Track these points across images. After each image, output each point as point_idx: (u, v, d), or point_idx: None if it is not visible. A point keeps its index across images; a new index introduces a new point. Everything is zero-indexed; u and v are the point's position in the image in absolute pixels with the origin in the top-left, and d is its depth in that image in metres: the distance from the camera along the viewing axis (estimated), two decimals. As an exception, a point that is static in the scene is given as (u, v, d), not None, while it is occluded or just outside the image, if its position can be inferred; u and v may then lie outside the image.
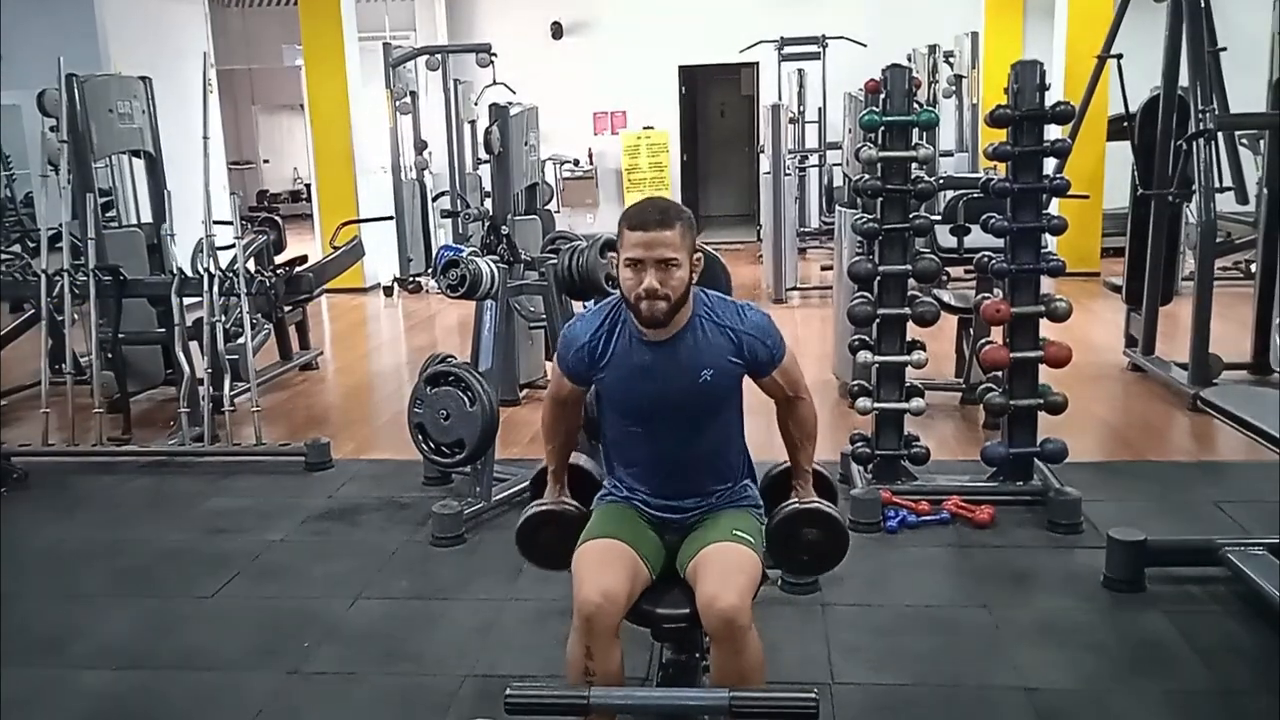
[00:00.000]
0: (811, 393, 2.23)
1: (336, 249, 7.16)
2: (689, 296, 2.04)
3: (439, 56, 8.63)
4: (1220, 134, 4.97)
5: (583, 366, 2.13)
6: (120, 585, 3.43)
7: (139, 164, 6.01)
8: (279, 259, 6.31)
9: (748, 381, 2.14)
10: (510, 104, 5.96)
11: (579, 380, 2.17)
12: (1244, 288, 6.52)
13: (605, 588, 1.92)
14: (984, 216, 3.77)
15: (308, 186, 12.34)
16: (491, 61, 8.42)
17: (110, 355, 5.00)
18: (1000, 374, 3.81)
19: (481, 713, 2.48)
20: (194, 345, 4.94)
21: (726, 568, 1.96)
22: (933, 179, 4.32)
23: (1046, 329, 3.75)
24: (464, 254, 3.82)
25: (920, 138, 3.98)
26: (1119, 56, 5.40)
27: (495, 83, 8.52)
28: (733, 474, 2.20)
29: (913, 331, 3.89)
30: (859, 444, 3.91)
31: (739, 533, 2.05)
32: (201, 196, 4.93)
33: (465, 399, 3.67)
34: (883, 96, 3.86)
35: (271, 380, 5.92)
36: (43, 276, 4.88)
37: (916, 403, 3.85)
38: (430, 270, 8.33)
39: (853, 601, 3.12)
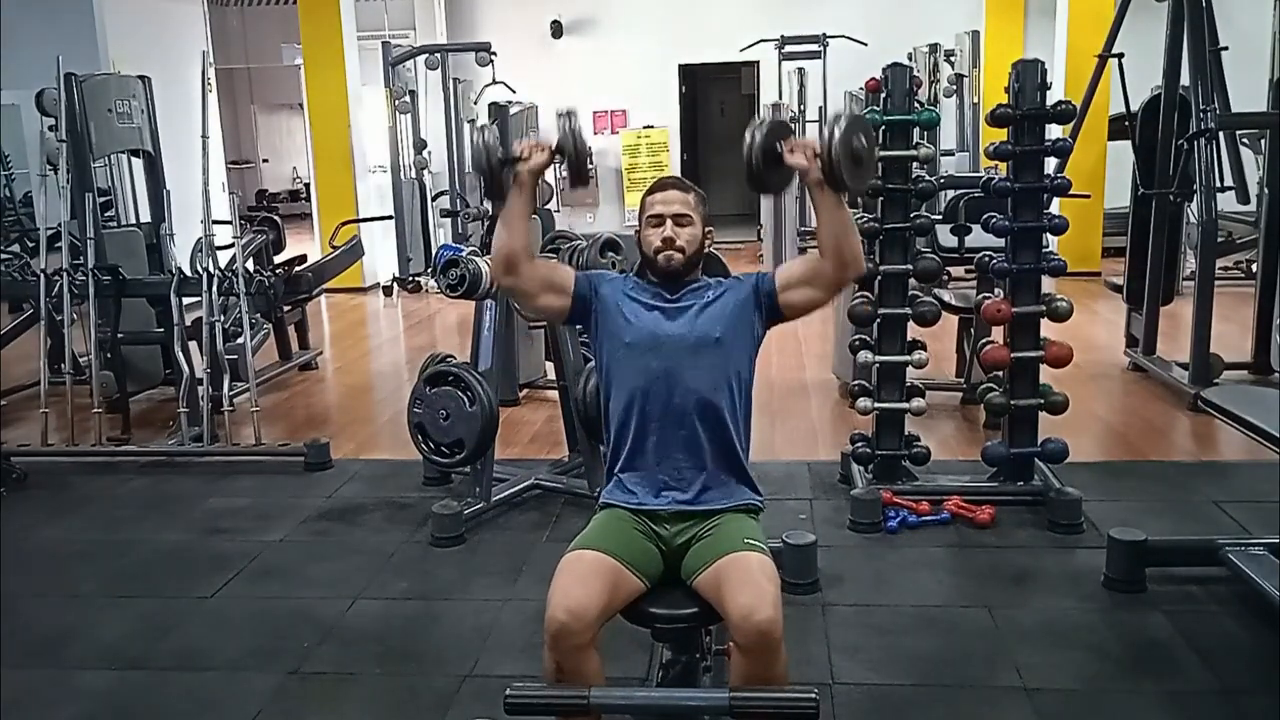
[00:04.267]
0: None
1: (336, 248, 7.16)
2: (701, 259, 2.27)
3: (438, 55, 8.65)
4: (1221, 133, 4.96)
5: (602, 282, 2.27)
6: (119, 585, 3.43)
7: (138, 163, 6.02)
8: (278, 259, 6.30)
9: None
10: (510, 103, 5.97)
11: (584, 286, 2.25)
12: (1245, 288, 6.52)
13: (573, 605, 1.89)
14: (985, 216, 3.77)
15: (307, 186, 12.35)
16: (491, 60, 8.43)
17: (109, 355, 4.99)
18: (1001, 374, 3.81)
19: (481, 713, 2.47)
20: (193, 345, 4.93)
21: (754, 578, 1.93)
22: (934, 178, 4.33)
23: (1047, 329, 3.75)
24: (463, 253, 3.82)
25: (921, 137, 3.98)
26: (1120, 56, 5.40)
27: (495, 82, 8.53)
28: (737, 460, 2.19)
29: (913, 331, 3.89)
30: (859, 444, 3.91)
31: (751, 541, 2.04)
32: (200, 196, 4.92)
33: (465, 399, 3.67)
34: (883, 95, 3.86)
35: (271, 380, 5.92)
36: (42, 276, 4.87)
37: (917, 403, 3.85)
38: (430, 270, 8.34)
39: (853, 601, 3.12)
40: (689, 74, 11.97)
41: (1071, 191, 3.89)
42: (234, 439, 4.79)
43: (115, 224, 6.23)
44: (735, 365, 2.18)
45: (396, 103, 8.63)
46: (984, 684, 2.67)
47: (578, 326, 3.00)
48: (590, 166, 2.25)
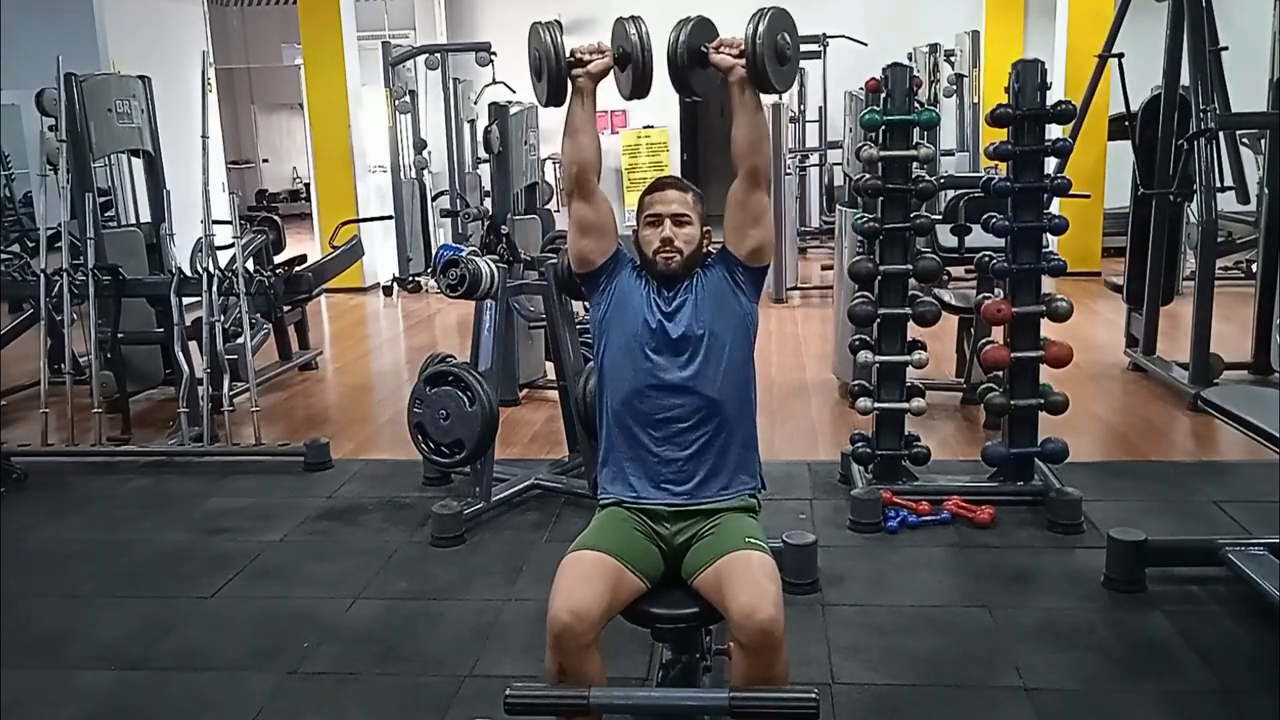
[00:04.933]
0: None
1: (336, 248, 7.15)
2: (698, 260, 2.24)
3: (438, 55, 8.64)
4: (1221, 133, 4.96)
5: (626, 265, 2.25)
6: (120, 585, 3.43)
7: (138, 163, 6.02)
8: (278, 259, 6.30)
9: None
10: (510, 103, 5.96)
11: (616, 256, 2.24)
12: (1245, 288, 6.52)
13: (576, 605, 1.89)
14: (985, 216, 3.77)
15: (307, 186, 12.33)
16: (491, 60, 8.42)
17: (109, 355, 4.99)
18: (1001, 374, 3.81)
19: (481, 713, 2.47)
20: (193, 345, 4.93)
21: (755, 578, 1.93)
22: (933, 178, 4.32)
23: (1047, 329, 3.75)
24: (463, 253, 3.82)
25: (921, 137, 3.97)
26: (1120, 55, 5.40)
27: (495, 82, 8.52)
28: (736, 448, 2.19)
29: (913, 331, 3.89)
30: (859, 444, 3.91)
31: (752, 540, 2.04)
32: (200, 196, 4.92)
33: (465, 399, 3.67)
34: (883, 95, 3.86)
35: (271, 380, 5.92)
36: (42, 276, 4.87)
37: (917, 403, 3.85)
38: (430, 270, 8.34)
39: (853, 601, 3.12)
40: (689, 74, 11.95)
41: (1071, 191, 3.89)
42: (234, 439, 4.79)
43: (115, 224, 6.22)
44: (731, 353, 2.18)
45: (396, 103, 8.63)
46: (984, 684, 2.67)
47: (581, 295, 2.96)
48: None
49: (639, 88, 2.22)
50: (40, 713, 2.68)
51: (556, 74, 2.16)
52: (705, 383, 2.15)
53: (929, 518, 3.65)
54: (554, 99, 2.22)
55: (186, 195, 5.60)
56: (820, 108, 10.36)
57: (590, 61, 2.18)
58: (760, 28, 2.09)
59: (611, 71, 2.25)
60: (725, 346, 2.17)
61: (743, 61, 2.11)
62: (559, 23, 2.18)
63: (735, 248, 2.22)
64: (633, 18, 2.20)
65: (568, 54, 2.16)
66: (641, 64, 2.18)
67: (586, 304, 2.44)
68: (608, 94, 2.28)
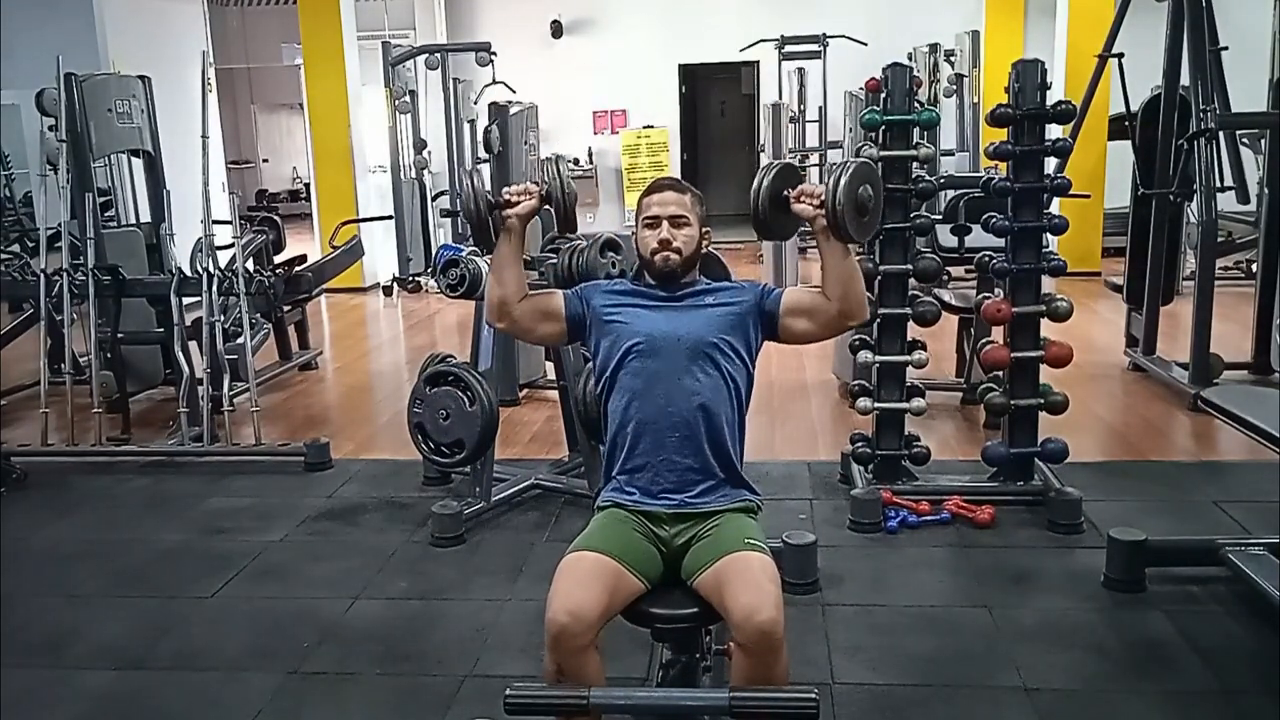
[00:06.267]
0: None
1: (336, 248, 7.15)
2: (698, 260, 2.28)
3: (438, 55, 8.64)
4: (1221, 133, 4.96)
5: (594, 293, 2.29)
6: (119, 585, 3.43)
7: (138, 163, 6.02)
8: (278, 258, 6.30)
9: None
10: (510, 103, 5.97)
11: (576, 303, 2.27)
12: (1245, 287, 6.52)
13: (574, 607, 1.89)
14: (985, 216, 3.77)
15: (307, 186, 12.34)
16: (491, 60, 8.42)
17: (109, 355, 4.99)
18: (1001, 374, 3.81)
19: (481, 713, 2.47)
20: (193, 345, 4.93)
21: (755, 579, 1.93)
22: (934, 178, 4.32)
23: (1047, 329, 3.75)
24: (463, 253, 3.82)
25: (921, 137, 3.97)
26: (1120, 55, 5.40)
27: (495, 82, 8.53)
28: (733, 465, 2.19)
29: (913, 331, 3.89)
30: (859, 444, 3.91)
31: (752, 541, 2.04)
32: (200, 196, 4.92)
33: (465, 399, 3.66)
34: (883, 95, 3.86)
35: (271, 380, 5.92)
36: (42, 276, 4.87)
37: (917, 403, 3.85)
38: (430, 270, 8.34)
39: (853, 601, 3.12)
40: (689, 74, 11.96)
41: (1071, 191, 3.89)
42: (234, 439, 4.79)
43: (115, 224, 6.22)
44: (732, 371, 2.18)
45: (396, 103, 8.63)
46: (984, 684, 2.67)
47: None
48: (579, 185, 2.26)
49: (561, 224, 2.29)
50: (40, 713, 2.67)
51: (477, 219, 2.22)
52: (704, 390, 2.14)
53: (929, 518, 3.65)
54: (480, 240, 2.27)
55: (186, 195, 5.60)
56: (820, 108, 10.36)
57: (519, 203, 2.19)
58: (842, 181, 2.08)
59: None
60: (728, 361, 2.18)
61: (823, 212, 2.10)
62: (478, 170, 2.22)
63: (785, 312, 2.22)
64: (557, 159, 2.31)
65: (500, 195, 2.21)
66: (563, 205, 2.24)
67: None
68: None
